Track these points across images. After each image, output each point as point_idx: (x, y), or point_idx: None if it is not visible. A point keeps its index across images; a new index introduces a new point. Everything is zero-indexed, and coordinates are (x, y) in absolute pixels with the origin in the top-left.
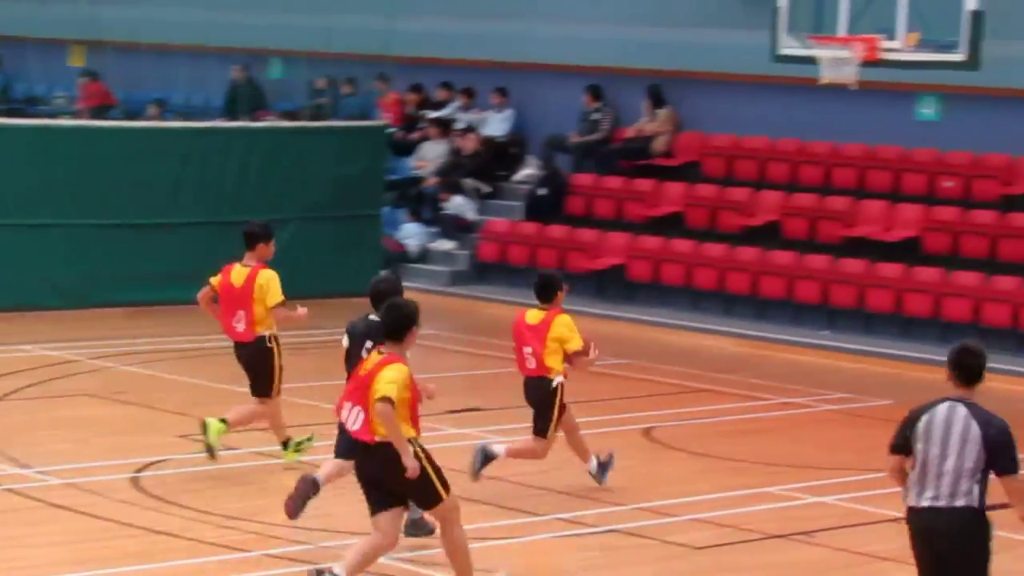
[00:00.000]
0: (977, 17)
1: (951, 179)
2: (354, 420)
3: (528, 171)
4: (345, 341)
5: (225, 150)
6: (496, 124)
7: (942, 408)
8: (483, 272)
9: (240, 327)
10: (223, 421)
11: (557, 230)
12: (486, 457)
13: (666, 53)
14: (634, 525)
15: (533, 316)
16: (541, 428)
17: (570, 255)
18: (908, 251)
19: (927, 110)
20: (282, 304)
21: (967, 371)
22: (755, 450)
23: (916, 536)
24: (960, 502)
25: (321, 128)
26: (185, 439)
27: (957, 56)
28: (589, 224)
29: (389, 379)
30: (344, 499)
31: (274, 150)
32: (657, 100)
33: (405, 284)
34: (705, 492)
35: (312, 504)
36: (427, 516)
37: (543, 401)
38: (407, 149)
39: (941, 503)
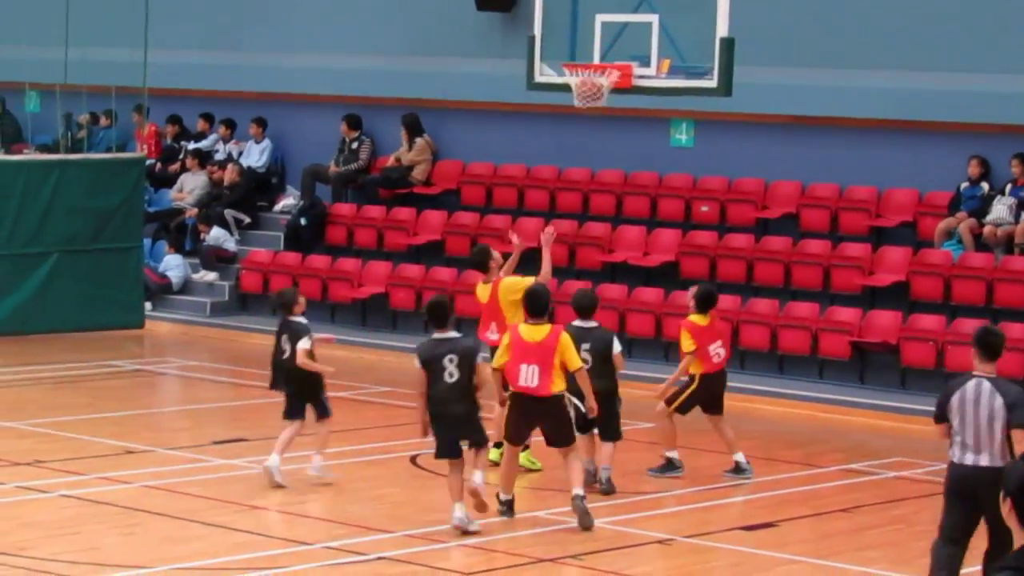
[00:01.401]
0: (728, 44)
1: (707, 204)
2: (532, 378)
3: (288, 201)
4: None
5: None
6: (255, 155)
7: (970, 385)
8: (245, 303)
9: (493, 336)
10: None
11: (319, 260)
12: (674, 469)
13: (422, 82)
14: (404, 552)
15: (699, 317)
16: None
17: (332, 284)
18: (667, 276)
19: (681, 136)
20: None
21: (990, 349)
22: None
23: (955, 486)
24: (996, 461)
25: (79, 161)
26: None
27: (709, 82)
28: (350, 253)
29: (573, 349)
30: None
31: (33, 183)
32: (413, 129)
33: (167, 315)
34: (474, 518)
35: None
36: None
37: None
38: (167, 181)
39: (983, 463)
